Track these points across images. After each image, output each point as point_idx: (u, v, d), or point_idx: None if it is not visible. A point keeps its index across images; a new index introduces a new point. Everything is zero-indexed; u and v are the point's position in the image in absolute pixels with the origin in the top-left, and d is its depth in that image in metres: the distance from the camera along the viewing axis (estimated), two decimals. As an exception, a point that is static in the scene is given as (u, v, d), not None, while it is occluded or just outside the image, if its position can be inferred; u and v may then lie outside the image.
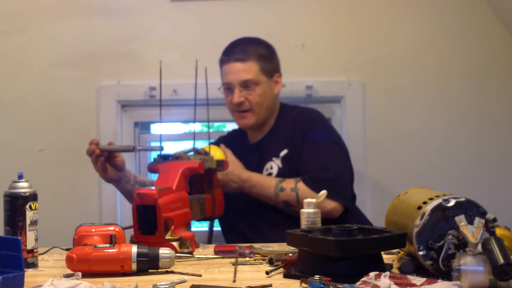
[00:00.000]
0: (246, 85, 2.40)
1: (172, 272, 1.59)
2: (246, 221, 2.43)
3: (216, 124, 3.28)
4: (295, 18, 2.95)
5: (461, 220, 1.41)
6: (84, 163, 2.89)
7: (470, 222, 1.41)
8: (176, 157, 2.06)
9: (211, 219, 2.28)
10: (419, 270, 1.50)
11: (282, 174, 2.38)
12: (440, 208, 1.45)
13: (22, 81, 2.96)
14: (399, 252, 1.64)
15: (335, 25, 2.96)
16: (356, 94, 2.92)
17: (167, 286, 1.43)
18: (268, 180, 2.35)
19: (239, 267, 1.65)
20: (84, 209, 2.90)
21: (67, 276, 1.53)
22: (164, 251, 1.59)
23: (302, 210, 1.92)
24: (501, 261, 1.29)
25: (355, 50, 2.94)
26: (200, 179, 2.17)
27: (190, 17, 2.95)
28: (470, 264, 1.33)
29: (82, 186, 2.92)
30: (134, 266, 1.57)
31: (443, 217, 1.44)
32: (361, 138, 2.92)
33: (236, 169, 2.34)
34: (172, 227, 1.82)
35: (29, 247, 1.67)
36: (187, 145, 2.78)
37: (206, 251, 1.90)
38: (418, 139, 2.93)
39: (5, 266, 1.43)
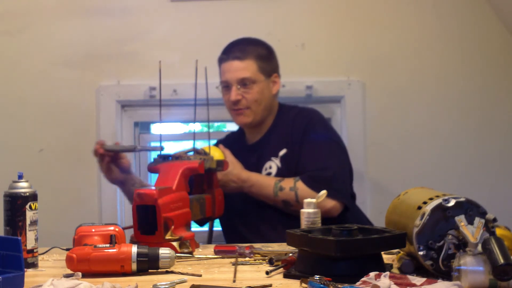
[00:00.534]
0: (243, 83, 2.41)
1: (172, 272, 1.59)
2: (245, 222, 2.43)
3: (216, 124, 3.28)
4: (295, 18, 2.95)
5: (461, 220, 1.41)
6: (84, 163, 2.91)
7: (470, 222, 1.41)
8: (176, 157, 2.06)
9: (211, 219, 2.28)
10: (419, 270, 1.50)
11: (281, 173, 2.38)
12: (440, 208, 1.45)
13: (22, 81, 2.96)
14: (399, 252, 1.64)
15: (335, 25, 2.96)
16: (356, 94, 2.92)
17: (167, 286, 1.43)
18: (267, 179, 2.35)
19: (239, 267, 1.65)
20: (84, 209, 2.90)
21: (67, 276, 1.53)
22: (164, 251, 1.59)
23: (302, 210, 1.92)
24: (501, 261, 1.29)
25: (355, 50, 2.94)
26: (200, 179, 2.17)
27: (190, 17, 2.95)
28: (470, 264, 1.33)
29: (82, 186, 2.92)
30: (134, 266, 1.57)
31: (443, 217, 1.44)
32: (361, 138, 2.92)
33: (235, 169, 2.34)
34: (172, 227, 1.82)
35: (29, 247, 1.67)
36: (187, 145, 2.78)
37: (206, 251, 1.90)
38: (418, 139, 2.93)
39: (5, 266, 1.43)
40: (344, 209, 2.33)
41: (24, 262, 1.44)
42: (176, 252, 1.73)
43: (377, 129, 2.93)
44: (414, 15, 2.95)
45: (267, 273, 1.54)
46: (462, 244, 1.41)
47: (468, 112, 2.94)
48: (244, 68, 2.41)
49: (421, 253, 1.44)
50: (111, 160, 2.23)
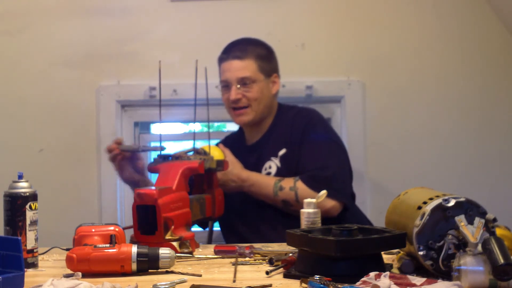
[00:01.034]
0: (243, 82, 2.41)
1: (172, 272, 1.59)
2: (245, 221, 2.43)
3: (216, 124, 3.28)
4: (295, 18, 2.95)
5: (461, 220, 1.41)
6: (84, 163, 2.91)
7: (470, 222, 1.41)
8: (176, 157, 2.06)
9: (211, 219, 2.28)
10: (419, 270, 1.50)
11: (281, 173, 2.38)
12: (440, 208, 1.45)
13: (22, 81, 2.96)
14: (399, 252, 1.64)
15: (335, 25, 2.96)
16: (356, 94, 2.92)
17: (167, 286, 1.43)
18: (267, 179, 2.35)
19: (239, 267, 1.65)
20: (84, 209, 2.90)
21: (67, 276, 1.53)
22: (164, 251, 1.59)
23: (302, 210, 1.92)
24: (501, 261, 1.29)
25: (355, 50, 2.95)
26: (200, 179, 2.17)
27: (190, 17, 2.95)
28: (470, 264, 1.33)
29: (82, 186, 2.93)
30: (134, 266, 1.57)
31: (443, 217, 1.44)
32: (361, 138, 2.92)
33: (235, 168, 2.34)
34: (172, 227, 1.82)
35: (29, 247, 1.67)
36: (187, 145, 2.78)
37: (206, 251, 1.90)
38: (418, 139, 2.93)
39: (5, 266, 1.43)
40: (344, 209, 2.33)
41: (24, 262, 1.44)
42: (176, 252, 1.73)
43: (377, 129, 2.93)
44: (414, 15, 2.95)
45: (267, 273, 1.54)
46: (462, 244, 1.41)
47: (468, 112, 2.94)
48: (244, 67, 2.41)
49: (421, 253, 1.44)
50: (127, 160, 2.24)
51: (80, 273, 1.54)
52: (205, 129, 2.87)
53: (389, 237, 1.49)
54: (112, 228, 1.71)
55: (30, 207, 1.68)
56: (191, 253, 1.83)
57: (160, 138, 2.35)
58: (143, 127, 3.07)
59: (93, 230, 1.70)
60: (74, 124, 2.94)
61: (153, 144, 2.96)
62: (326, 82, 2.93)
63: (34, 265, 1.69)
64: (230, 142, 2.58)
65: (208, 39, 2.89)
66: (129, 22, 2.95)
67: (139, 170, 2.28)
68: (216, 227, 2.59)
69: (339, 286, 1.32)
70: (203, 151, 2.16)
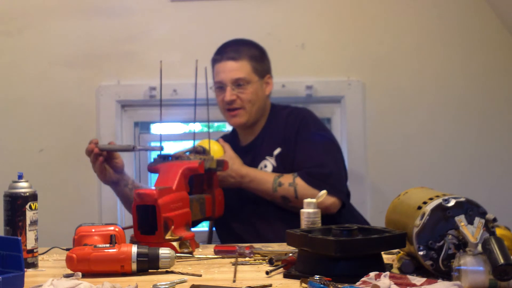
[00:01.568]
0: (238, 83, 2.41)
1: (172, 272, 1.59)
2: (238, 217, 2.41)
3: (216, 124, 3.28)
4: (295, 18, 2.95)
5: (461, 220, 1.41)
6: (84, 163, 2.89)
7: (470, 222, 1.41)
8: (176, 157, 2.06)
9: (211, 219, 2.28)
10: (419, 270, 1.50)
11: (277, 172, 2.38)
12: (440, 208, 1.45)
13: (22, 81, 2.96)
14: (399, 252, 1.64)
15: (335, 25, 2.96)
16: (356, 94, 2.92)
17: (167, 286, 1.43)
18: (266, 175, 2.35)
19: (239, 267, 1.65)
20: (84, 209, 2.90)
21: (67, 276, 1.53)
22: (164, 251, 1.59)
23: (302, 210, 1.92)
24: (501, 261, 1.29)
25: (355, 50, 2.94)
26: (200, 179, 2.17)
27: (190, 17, 2.95)
28: (470, 264, 1.33)
29: (82, 186, 2.92)
30: (134, 266, 1.57)
31: (443, 217, 1.44)
32: (361, 138, 2.92)
33: (234, 164, 2.33)
34: (172, 227, 1.82)
35: (29, 247, 1.67)
36: (187, 145, 2.78)
37: (206, 251, 1.90)
38: (418, 139, 2.93)
39: (5, 266, 1.43)
40: (341, 206, 2.34)
41: (24, 262, 1.45)
42: (176, 252, 1.73)
43: (377, 129, 2.93)
44: (414, 15, 2.95)
45: (267, 273, 1.54)
46: (462, 244, 1.41)
47: (468, 112, 2.94)
48: (238, 68, 2.41)
49: (421, 253, 1.44)
50: (104, 160, 2.20)
51: (80, 273, 1.54)
52: (205, 129, 2.87)
53: (389, 237, 1.49)
54: (112, 228, 1.71)
55: (30, 207, 1.68)
56: (191, 253, 1.83)
57: (160, 138, 2.35)
58: (143, 127, 3.07)
59: (93, 230, 1.71)
60: (74, 124, 2.94)
61: (153, 144, 2.96)
62: (326, 82, 2.93)
63: (34, 265, 1.69)
64: (224, 144, 2.58)
65: (208, 39, 2.89)
66: (129, 22, 2.95)
67: (118, 170, 2.24)
68: (216, 227, 2.59)
69: (339, 286, 1.32)
70: (203, 149, 2.15)
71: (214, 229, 2.57)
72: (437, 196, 1.48)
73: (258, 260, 1.73)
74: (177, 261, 1.66)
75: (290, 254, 1.63)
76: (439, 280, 1.34)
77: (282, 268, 1.57)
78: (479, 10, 2.92)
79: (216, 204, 2.16)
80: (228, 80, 2.41)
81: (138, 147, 2.21)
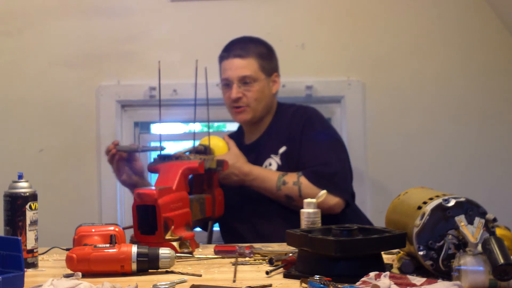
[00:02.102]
0: (244, 81, 2.41)
1: (172, 272, 1.59)
2: (239, 216, 2.41)
3: (216, 124, 3.28)
4: (295, 18, 2.95)
5: (461, 220, 1.41)
6: (84, 163, 2.91)
7: (470, 222, 1.41)
8: (176, 157, 2.06)
9: (211, 219, 2.28)
10: (419, 270, 1.50)
11: (282, 170, 2.37)
12: (440, 208, 1.45)
13: (22, 81, 2.96)
14: (399, 252, 1.64)
15: (335, 25, 2.96)
16: (356, 94, 2.92)
17: (167, 286, 1.43)
18: (270, 173, 2.34)
19: (239, 267, 1.65)
20: (84, 209, 2.90)
21: (67, 276, 1.53)
22: (164, 251, 1.59)
23: (302, 210, 1.92)
24: (501, 261, 1.29)
25: (355, 50, 2.94)
26: (200, 179, 2.17)
27: (190, 17, 2.95)
28: (470, 264, 1.33)
29: (82, 186, 2.92)
30: (134, 266, 1.57)
31: (443, 217, 1.44)
32: (361, 138, 2.92)
33: (237, 162, 2.32)
34: (172, 227, 1.82)
35: (29, 247, 1.67)
36: (187, 145, 2.78)
37: (206, 251, 1.90)
38: (418, 139, 2.93)
39: (5, 266, 1.43)
40: (345, 205, 2.34)
41: (24, 262, 1.45)
42: (176, 252, 1.73)
43: (377, 129, 2.93)
44: (414, 15, 2.95)
45: (267, 273, 1.54)
46: (462, 244, 1.41)
47: (468, 112, 2.94)
48: (245, 66, 2.41)
49: (421, 253, 1.44)
50: (124, 161, 2.22)
51: (80, 273, 1.54)
52: (205, 129, 2.87)
53: (389, 237, 1.49)
54: (112, 228, 1.71)
55: (30, 207, 1.68)
56: (191, 253, 1.83)
57: (160, 138, 2.35)
58: (143, 127, 3.07)
59: (93, 230, 1.71)
60: (74, 124, 2.94)
61: (153, 144, 2.96)
62: (326, 82, 2.93)
63: (34, 265, 1.69)
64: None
65: (208, 39, 2.89)
66: (129, 22, 2.95)
67: (137, 172, 2.27)
68: (216, 227, 2.59)
69: (339, 286, 1.32)
70: (203, 148, 2.15)
71: (214, 229, 2.57)
72: (437, 196, 1.48)
73: (258, 260, 1.73)
74: (177, 261, 1.66)
75: (290, 254, 1.63)
76: (439, 280, 1.34)
77: (282, 268, 1.57)
78: (479, 10, 2.92)
79: (216, 204, 2.16)
80: (234, 78, 2.41)
81: (140, 147, 2.22)
